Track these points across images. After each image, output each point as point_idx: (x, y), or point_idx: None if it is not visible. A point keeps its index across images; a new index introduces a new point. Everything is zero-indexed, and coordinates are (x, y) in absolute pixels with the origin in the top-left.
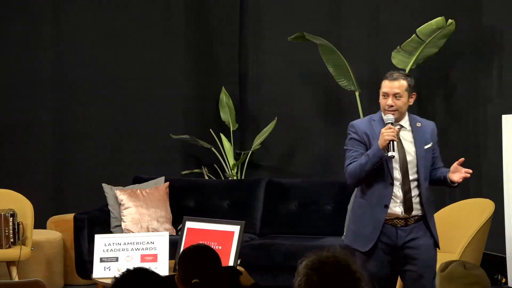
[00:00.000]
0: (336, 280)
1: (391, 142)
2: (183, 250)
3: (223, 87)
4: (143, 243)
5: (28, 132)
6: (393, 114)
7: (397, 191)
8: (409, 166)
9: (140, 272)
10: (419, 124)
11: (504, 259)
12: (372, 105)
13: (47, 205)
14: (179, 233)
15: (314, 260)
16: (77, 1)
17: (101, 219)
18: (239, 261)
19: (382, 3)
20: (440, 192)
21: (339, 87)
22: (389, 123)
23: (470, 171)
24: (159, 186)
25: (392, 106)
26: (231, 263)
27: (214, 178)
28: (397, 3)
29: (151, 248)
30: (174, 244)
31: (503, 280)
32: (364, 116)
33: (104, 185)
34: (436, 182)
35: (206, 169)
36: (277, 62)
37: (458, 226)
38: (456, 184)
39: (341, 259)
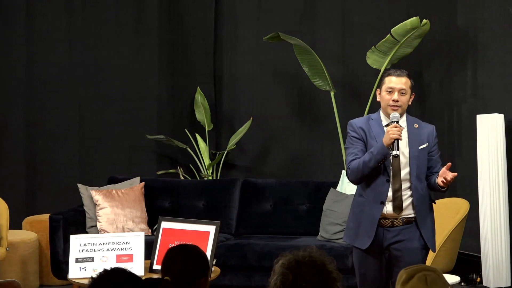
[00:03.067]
0: (311, 280)
1: (395, 140)
2: (172, 247)
3: (198, 87)
4: (119, 243)
5: (1, 132)
6: (397, 111)
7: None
8: (402, 165)
9: (117, 272)
10: (417, 125)
11: (479, 258)
12: (347, 105)
13: (22, 206)
14: (155, 233)
15: (290, 260)
16: (50, 1)
17: (76, 220)
18: (214, 261)
19: (357, 3)
20: None
21: (314, 87)
22: (394, 121)
23: (454, 174)
24: (134, 187)
25: (397, 101)
26: None
27: (190, 178)
28: (371, 3)
29: (126, 249)
30: (149, 244)
31: (478, 280)
32: (339, 116)
33: (79, 185)
34: (432, 186)
35: (181, 169)
36: (252, 62)
37: None
38: (444, 188)
39: (317, 259)
